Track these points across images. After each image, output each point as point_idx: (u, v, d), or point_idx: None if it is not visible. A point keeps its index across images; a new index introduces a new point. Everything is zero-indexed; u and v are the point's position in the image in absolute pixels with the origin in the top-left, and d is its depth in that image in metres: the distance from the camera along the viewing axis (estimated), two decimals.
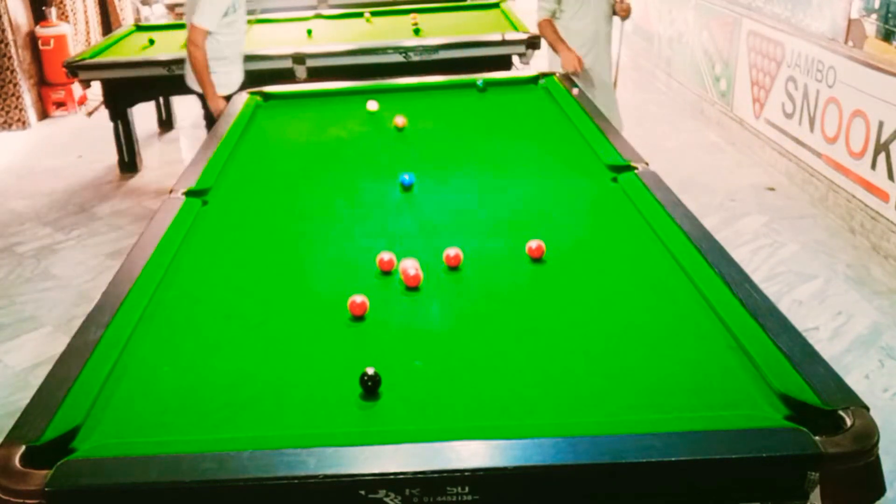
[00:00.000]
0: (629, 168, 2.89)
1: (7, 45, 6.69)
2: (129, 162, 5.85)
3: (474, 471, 1.45)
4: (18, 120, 6.92)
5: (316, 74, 5.06)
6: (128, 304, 2.09)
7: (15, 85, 6.82)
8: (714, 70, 6.29)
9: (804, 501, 1.47)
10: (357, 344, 1.95)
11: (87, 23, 8.06)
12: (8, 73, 6.77)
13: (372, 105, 3.82)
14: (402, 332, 2.00)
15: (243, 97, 4.02)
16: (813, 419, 1.55)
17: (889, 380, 3.24)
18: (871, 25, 4.52)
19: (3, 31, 6.65)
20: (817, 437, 1.48)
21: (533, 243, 2.33)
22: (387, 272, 2.26)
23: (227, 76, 4.40)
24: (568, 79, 4.10)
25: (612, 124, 4.35)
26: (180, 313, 2.13)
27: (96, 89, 5.81)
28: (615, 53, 4.77)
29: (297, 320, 2.07)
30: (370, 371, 1.73)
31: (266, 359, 1.90)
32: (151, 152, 6.30)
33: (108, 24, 8.58)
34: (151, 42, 5.77)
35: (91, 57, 5.43)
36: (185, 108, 6.95)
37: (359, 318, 2.04)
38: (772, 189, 5.16)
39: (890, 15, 4.35)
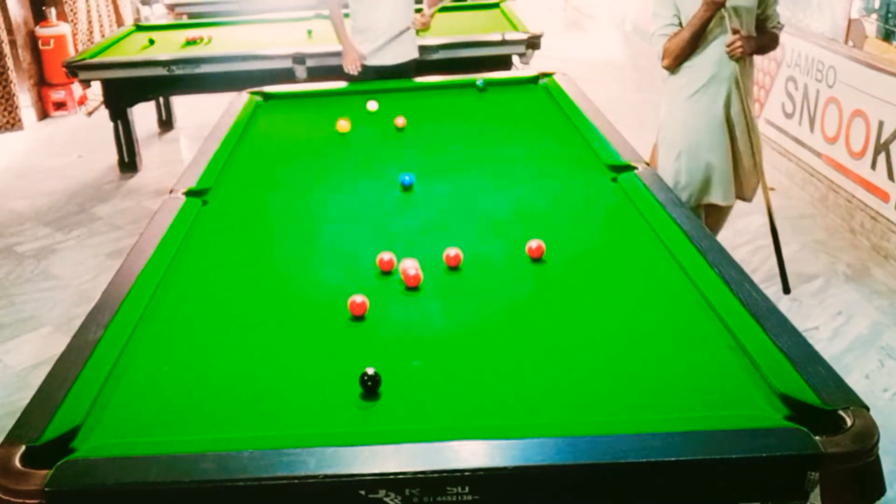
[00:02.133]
0: (629, 168, 2.90)
1: (2, 44, 6.68)
2: (129, 162, 5.85)
3: (474, 471, 1.45)
4: (17, 120, 6.90)
5: (316, 74, 5.06)
6: (128, 304, 2.09)
7: (13, 84, 6.80)
8: None
9: (804, 501, 1.47)
10: (357, 344, 1.95)
11: (90, 22, 8.05)
12: (3, 73, 6.76)
13: (372, 105, 3.82)
14: (401, 332, 2.00)
15: (243, 97, 4.03)
16: (813, 419, 1.55)
17: (889, 380, 3.24)
18: (871, 25, 4.52)
19: None
20: (817, 437, 1.48)
21: (533, 243, 2.32)
22: (387, 272, 2.26)
23: (360, 46, 4.49)
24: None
25: (718, 189, 3.50)
26: (180, 313, 2.13)
27: (96, 89, 5.81)
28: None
29: (297, 320, 2.07)
30: (370, 371, 1.73)
31: (266, 359, 1.90)
32: (151, 152, 6.30)
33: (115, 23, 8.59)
34: (151, 42, 5.77)
35: (91, 57, 5.43)
36: (185, 108, 6.96)
37: (359, 318, 2.04)
38: (772, 189, 5.15)
39: (890, 15, 4.35)
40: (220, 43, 5.65)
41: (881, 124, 4.17)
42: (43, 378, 1.79)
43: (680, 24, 3.42)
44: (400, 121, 3.59)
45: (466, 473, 1.45)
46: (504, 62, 5.28)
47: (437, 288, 2.20)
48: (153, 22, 7.64)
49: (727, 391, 1.70)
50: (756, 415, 1.60)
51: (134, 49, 5.65)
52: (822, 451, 1.45)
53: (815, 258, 4.25)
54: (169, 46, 5.61)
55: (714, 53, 3.38)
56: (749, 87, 3.51)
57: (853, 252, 4.31)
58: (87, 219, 5.14)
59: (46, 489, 1.44)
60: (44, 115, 7.32)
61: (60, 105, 7.34)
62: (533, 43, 5.19)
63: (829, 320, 3.68)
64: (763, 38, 3.48)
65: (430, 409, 1.69)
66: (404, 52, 4.57)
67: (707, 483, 1.52)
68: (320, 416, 1.68)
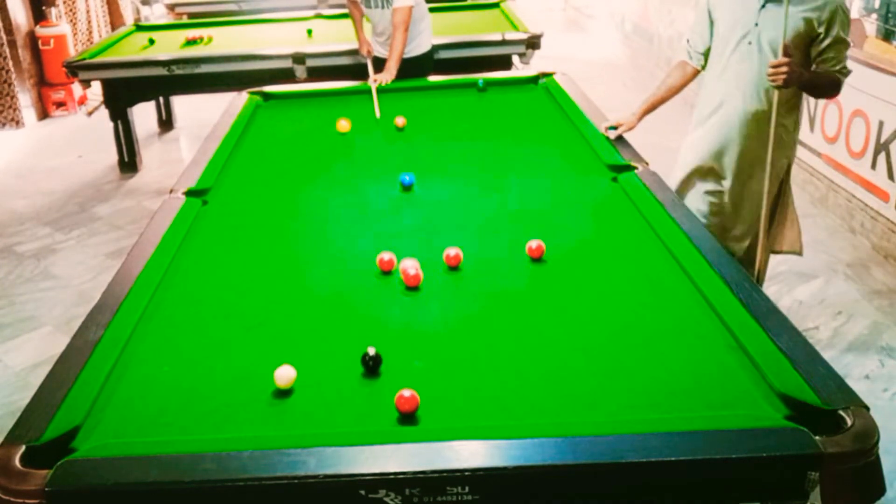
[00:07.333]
0: (629, 168, 2.90)
1: (2, 44, 6.68)
2: (129, 162, 5.85)
3: (474, 471, 1.45)
4: (12, 119, 6.90)
5: (316, 74, 5.06)
6: (128, 304, 2.09)
7: (10, 85, 6.80)
8: None
9: (804, 501, 1.47)
10: (357, 344, 1.95)
11: (89, 22, 8.05)
12: (3, 72, 6.76)
13: (400, 121, 3.61)
14: (402, 332, 2.00)
15: (243, 97, 4.03)
16: (813, 419, 1.55)
17: (889, 380, 3.24)
18: (871, 25, 4.52)
19: None
20: (817, 437, 1.49)
21: (533, 243, 2.33)
22: (387, 272, 2.26)
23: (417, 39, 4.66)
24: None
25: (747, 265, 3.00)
26: (180, 313, 2.13)
27: (96, 89, 5.81)
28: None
29: (296, 320, 2.07)
30: (371, 351, 1.78)
31: (266, 358, 1.90)
32: (151, 152, 6.30)
33: (113, 24, 8.58)
34: (151, 42, 5.77)
35: (91, 57, 5.42)
36: (185, 109, 6.96)
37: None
38: None
39: (890, 15, 4.36)
40: (220, 43, 5.65)
41: (881, 124, 4.17)
42: (43, 378, 1.79)
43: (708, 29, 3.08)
44: (400, 121, 3.59)
45: (466, 473, 1.45)
46: (504, 62, 5.28)
47: (437, 288, 2.20)
48: (153, 22, 7.64)
49: (727, 391, 1.70)
50: (756, 415, 1.60)
51: (134, 49, 5.65)
52: (822, 451, 1.46)
53: (815, 258, 4.25)
54: (169, 46, 5.61)
55: (731, 78, 2.97)
56: (762, 122, 2.89)
57: (853, 252, 4.31)
58: (87, 219, 5.14)
59: (46, 489, 1.44)
60: (44, 114, 7.32)
61: (60, 105, 7.34)
62: (533, 43, 5.19)
63: (829, 320, 3.68)
64: (819, 75, 2.85)
65: (430, 409, 1.69)
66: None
67: (707, 483, 1.52)
68: (320, 416, 1.68)
